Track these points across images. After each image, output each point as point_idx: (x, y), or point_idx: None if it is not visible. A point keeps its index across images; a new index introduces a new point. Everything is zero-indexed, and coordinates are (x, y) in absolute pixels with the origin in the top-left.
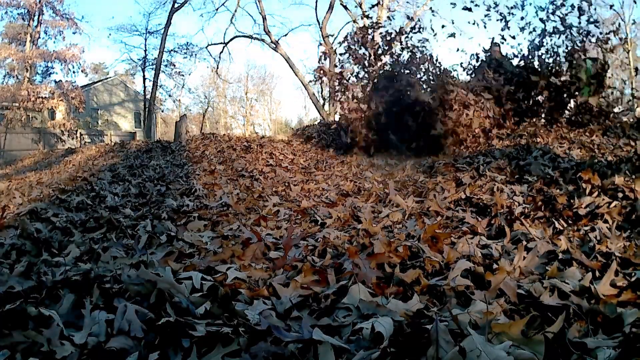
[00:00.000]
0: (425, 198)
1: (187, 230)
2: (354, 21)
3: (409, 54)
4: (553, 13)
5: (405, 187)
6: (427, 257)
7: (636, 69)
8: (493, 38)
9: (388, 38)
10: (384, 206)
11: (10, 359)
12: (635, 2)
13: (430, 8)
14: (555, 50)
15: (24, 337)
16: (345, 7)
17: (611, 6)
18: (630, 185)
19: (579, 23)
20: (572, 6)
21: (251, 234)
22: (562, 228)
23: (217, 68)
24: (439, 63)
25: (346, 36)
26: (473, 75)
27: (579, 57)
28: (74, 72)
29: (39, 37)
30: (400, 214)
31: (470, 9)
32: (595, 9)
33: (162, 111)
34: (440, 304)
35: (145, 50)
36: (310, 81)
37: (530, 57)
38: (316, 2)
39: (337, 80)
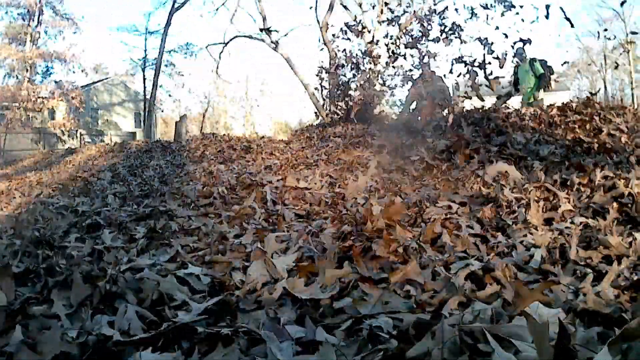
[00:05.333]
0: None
1: (188, 230)
2: (354, 20)
3: None
4: None
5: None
6: (428, 257)
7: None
8: None
9: None
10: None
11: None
12: None
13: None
14: None
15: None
16: (345, 7)
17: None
18: (629, 185)
19: None
20: None
21: (255, 236)
22: (561, 228)
23: (217, 68)
24: None
25: None
26: None
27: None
28: (73, 72)
29: (39, 37)
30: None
31: None
32: None
33: (162, 111)
34: (441, 305)
35: (145, 50)
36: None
37: None
38: (316, 2)
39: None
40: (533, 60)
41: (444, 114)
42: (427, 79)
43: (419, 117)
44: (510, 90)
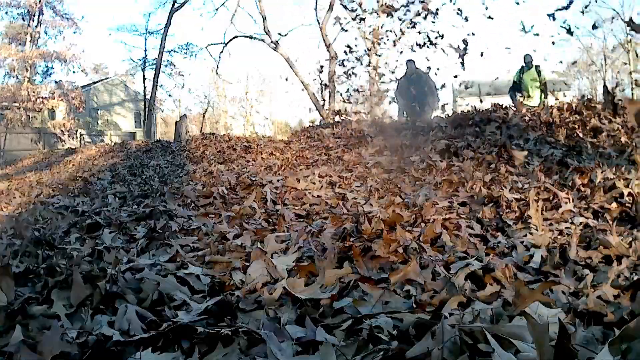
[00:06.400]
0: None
1: (188, 230)
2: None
3: None
4: None
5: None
6: (428, 257)
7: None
8: None
9: None
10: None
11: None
12: None
13: None
14: None
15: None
16: (346, 7)
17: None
18: (629, 185)
19: None
20: None
21: (255, 236)
22: (561, 228)
23: (217, 68)
24: None
25: None
26: None
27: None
28: (74, 72)
29: (39, 37)
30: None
31: None
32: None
33: (162, 111)
34: (441, 305)
35: (145, 50)
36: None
37: None
38: (316, 1)
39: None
40: (538, 67)
41: (435, 114)
42: (412, 78)
43: (406, 117)
44: (510, 93)
